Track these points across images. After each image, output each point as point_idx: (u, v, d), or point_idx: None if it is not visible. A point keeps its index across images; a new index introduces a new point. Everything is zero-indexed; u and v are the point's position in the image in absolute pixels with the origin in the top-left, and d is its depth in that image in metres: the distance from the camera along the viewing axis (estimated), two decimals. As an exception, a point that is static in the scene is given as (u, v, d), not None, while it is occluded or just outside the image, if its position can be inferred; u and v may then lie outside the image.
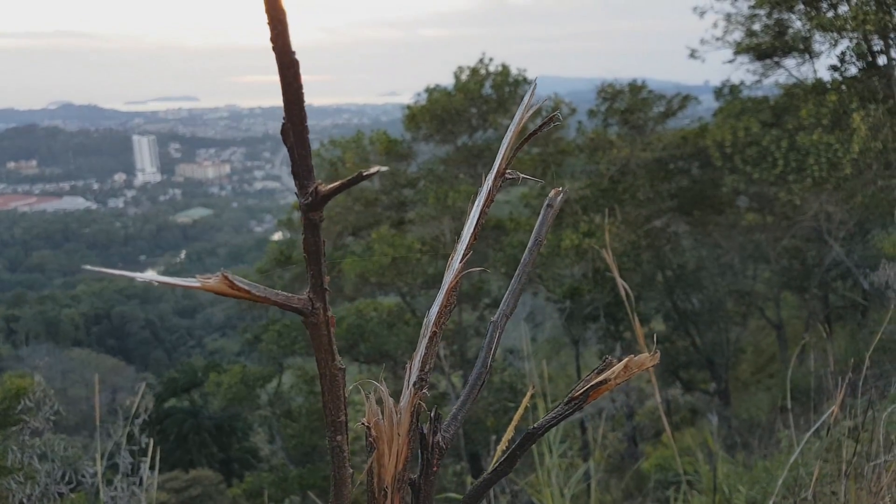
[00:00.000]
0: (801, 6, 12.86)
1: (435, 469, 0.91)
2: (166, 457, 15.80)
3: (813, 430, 2.20)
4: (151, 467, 3.01)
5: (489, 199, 0.96)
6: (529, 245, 1.04)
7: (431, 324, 0.92)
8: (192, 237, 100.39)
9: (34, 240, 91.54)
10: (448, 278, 0.92)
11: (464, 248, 0.94)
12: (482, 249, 14.42)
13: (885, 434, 2.43)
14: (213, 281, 0.70)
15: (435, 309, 0.92)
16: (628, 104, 14.37)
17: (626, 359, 0.89)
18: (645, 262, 14.68)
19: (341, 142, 15.52)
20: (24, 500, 3.32)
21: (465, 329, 15.12)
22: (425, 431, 0.90)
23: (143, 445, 3.16)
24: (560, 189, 1.06)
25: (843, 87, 12.70)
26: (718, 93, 15.41)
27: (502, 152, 0.96)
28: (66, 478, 3.53)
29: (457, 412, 0.95)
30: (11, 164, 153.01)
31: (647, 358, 0.89)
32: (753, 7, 13.14)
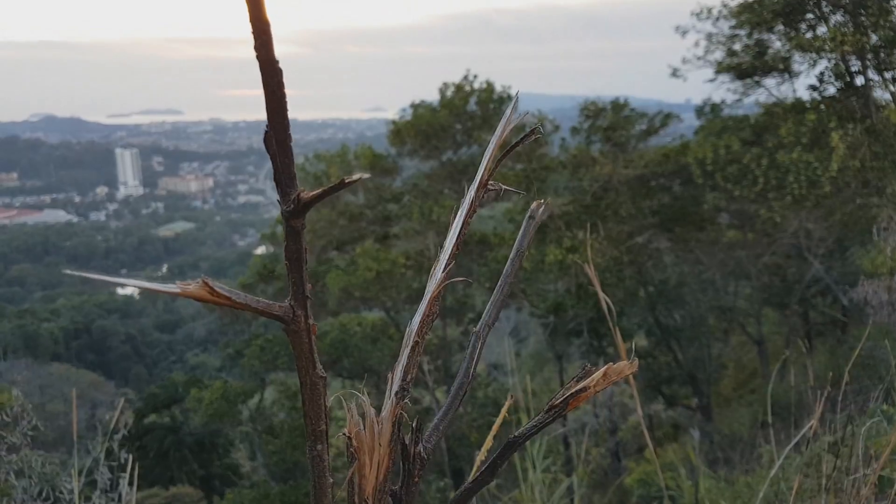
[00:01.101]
0: (781, 27, 13.12)
1: (416, 480, 0.90)
2: (146, 473, 15.56)
3: (793, 444, 2.22)
4: (130, 483, 2.97)
5: (472, 210, 0.97)
6: (511, 256, 1.05)
7: (413, 333, 0.91)
8: (174, 251, 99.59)
9: (14, 253, 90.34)
10: (430, 288, 0.92)
11: (446, 258, 0.94)
12: (466, 264, 14.45)
13: (864, 448, 2.46)
14: (192, 287, 0.69)
15: (417, 318, 0.92)
16: (611, 122, 14.52)
17: (606, 367, 0.90)
18: (627, 278, 14.77)
19: (326, 156, 15.52)
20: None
21: (450, 343, 15.10)
22: (407, 442, 0.89)
23: (123, 461, 3.12)
24: (542, 201, 1.07)
25: (822, 106, 12.93)
26: (700, 111, 15.62)
27: (485, 163, 0.97)
28: (44, 494, 3.46)
29: (438, 422, 0.95)
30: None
31: (626, 366, 0.91)
32: (734, 27, 13.37)
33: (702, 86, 14.66)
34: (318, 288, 15.31)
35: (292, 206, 0.68)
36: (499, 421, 1.24)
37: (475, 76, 14.57)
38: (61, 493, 3.39)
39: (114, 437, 3.21)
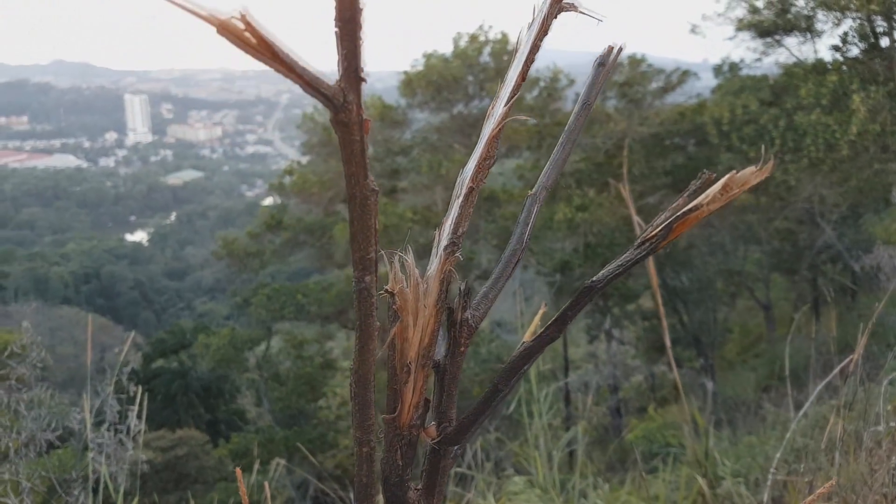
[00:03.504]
0: (807, -16, 12.70)
1: (462, 350, 0.81)
2: (154, 416, 15.85)
3: (811, 401, 2.18)
4: (139, 416, 2.98)
5: (543, 30, 0.82)
6: (576, 109, 0.91)
7: (468, 180, 0.80)
8: (182, 199, 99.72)
9: (24, 196, 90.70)
10: (489, 127, 0.81)
11: (509, 90, 0.81)
12: (474, 220, 14.37)
13: (883, 406, 2.42)
14: (227, 18, 0.52)
15: (472, 162, 0.81)
16: (627, 77, 14.22)
17: (727, 176, 0.74)
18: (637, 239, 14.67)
19: (336, 106, 15.32)
20: (10, 445, 3.30)
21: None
22: (454, 306, 0.80)
23: (132, 394, 3.14)
24: (614, 46, 0.92)
25: (844, 67, 12.60)
26: (718, 70, 15.29)
27: None
28: (53, 425, 3.51)
29: (488, 290, 0.85)
30: (2, 120, 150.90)
31: (752, 173, 0.74)
32: (758, -17, 12.97)
33: (720, 45, 14.38)
34: (324, 241, 15.29)
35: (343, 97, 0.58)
36: (539, 316, 1.15)
37: (490, 26, 14.25)
38: (70, 423, 3.42)
39: (122, 370, 3.23)
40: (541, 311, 1.13)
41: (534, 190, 0.89)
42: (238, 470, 1.06)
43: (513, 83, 0.82)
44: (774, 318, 16.14)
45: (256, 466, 3.75)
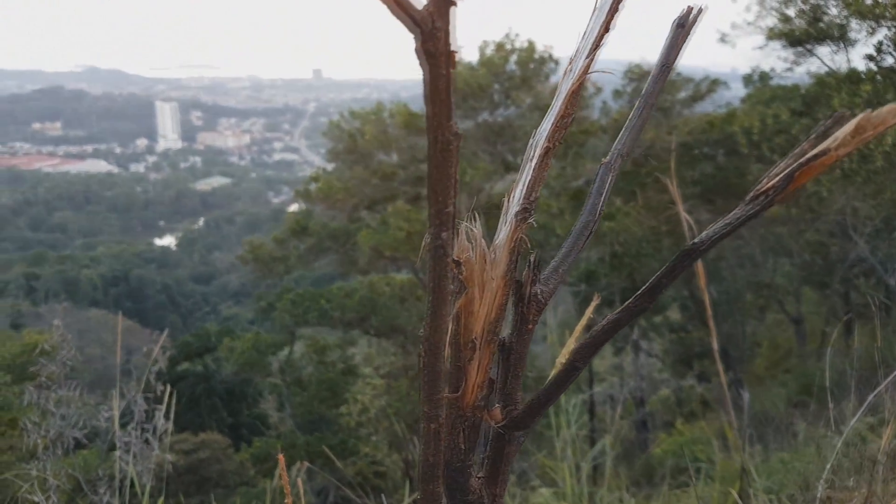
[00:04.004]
0: (840, -8, 12.49)
1: (530, 328, 0.75)
2: (177, 419, 15.92)
3: (857, 417, 2.09)
4: (167, 416, 2.98)
5: None
6: (655, 73, 0.85)
7: (544, 139, 0.73)
8: (210, 205, 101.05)
9: (56, 200, 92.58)
10: (568, 83, 0.74)
11: (590, 42, 0.75)
12: (493, 225, 14.32)
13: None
14: None
15: (549, 121, 0.73)
16: (656, 86, 14.08)
17: (861, 115, 0.63)
18: (664, 249, 14.50)
19: (361, 114, 15.41)
20: (39, 441, 3.33)
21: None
22: (522, 280, 0.74)
23: (159, 394, 3.15)
24: (694, 7, 0.85)
25: (879, 77, 12.34)
26: (748, 79, 15.09)
27: None
28: (80, 424, 3.53)
29: (559, 264, 0.79)
30: (37, 125, 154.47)
31: (891, 111, 0.63)
32: (790, -9, 12.78)
33: (749, 55, 14.18)
34: (348, 247, 15.34)
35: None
36: (585, 318, 1.09)
37: (517, 35, 14.23)
38: (98, 421, 3.45)
39: (151, 369, 3.24)
40: (580, 326, 1.07)
41: (607, 158, 0.82)
42: (281, 457, 1.01)
43: (594, 35, 0.75)
44: (805, 333, 15.82)
45: (281, 471, 3.72)
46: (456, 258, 0.65)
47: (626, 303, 0.72)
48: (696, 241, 0.70)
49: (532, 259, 0.72)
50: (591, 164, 13.72)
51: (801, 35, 13.09)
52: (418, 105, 16.04)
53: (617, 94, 14.85)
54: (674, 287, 15.81)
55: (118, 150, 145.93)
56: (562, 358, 0.79)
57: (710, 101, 15.18)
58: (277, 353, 15.29)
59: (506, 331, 0.75)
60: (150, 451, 3.27)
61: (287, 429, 15.45)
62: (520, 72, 14.23)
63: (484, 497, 0.73)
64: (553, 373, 0.72)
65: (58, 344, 4.02)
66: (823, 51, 13.39)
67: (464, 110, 14.71)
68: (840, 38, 12.97)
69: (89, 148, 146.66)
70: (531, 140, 0.74)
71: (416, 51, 0.52)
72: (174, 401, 3.10)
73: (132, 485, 2.80)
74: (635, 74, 14.28)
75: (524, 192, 0.73)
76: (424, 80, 0.52)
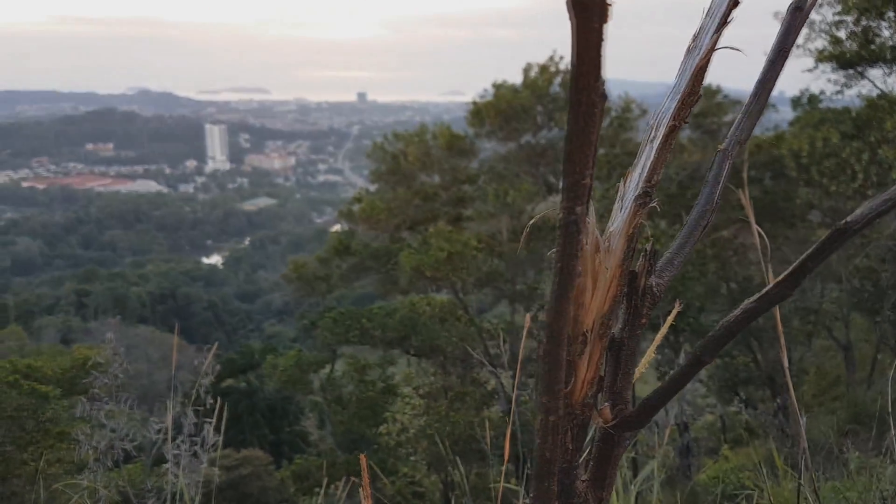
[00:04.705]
0: (892, 14, 12.26)
1: (643, 322, 0.70)
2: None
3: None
4: (217, 429, 3.06)
5: None
6: (770, 56, 0.82)
7: (669, 118, 0.68)
8: (256, 225, 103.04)
9: (108, 219, 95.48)
10: (692, 60, 0.70)
11: (717, 17, 0.71)
12: (538, 249, 14.29)
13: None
14: None
15: (674, 99, 0.69)
16: (702, 108, 13.99)
17: None
18: (710, 273, 14.27)
19: (404, 135, 15.63)
20: (90, 452, 3.45)
21: (518, 329, 15.02)
22: (637, 270, 0.68)
23: (208, 407, 3.23)
24: None
25: (933, 100, 12.05)
26: (796, 102, 14.85)
27: None
28: (131, 436, 3.65)
29: (673, 255, 0.73)
30: (90, 146, 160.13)
31: None
32: (840, 13, 12.59)
33: (796, 77, 13.93)
34: (389, 266, 15.49)
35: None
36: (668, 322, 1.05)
37: (561, 57, 14.30)
38: (146, 434, 3.57)
39: (202, 382, 3.33)
40: (659, 335, 1.03)
41: (724, 145, 0.77)
42: (363, 457, 1.02)
43: (722, 9, 0.71)
44: (854, 360, 15.33)
45: (323, 489, 3.77)
46: None
47: (766, 289, 0.65)
48: (849, 219, 0.65)
49: (648, 248, 0.67)
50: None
51: (853, 57, 12.86)
52: (460, 127, 16.20)
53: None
54: (719, 311, 15.50)
55: (168, 170, 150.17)
56: (642, 367, 0.76)
57: (758, 125, 14.95)
58: (319, 371, 15.45)
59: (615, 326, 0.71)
60: (199, 463, 3.34)
61: (327, 447, 15.55)
62: (564, 94, 14.30)
63: (589, 500, 0.69)
64: (674, 371, 0.69)
65: (110, 357, 4.17)
66: (875, 73, 13.14)
67: (506, 132, 14.81)
68: (893, 60, 12.71)
69: (140, 168, 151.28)
70: (651, 121, 0.70)
71: (567, 3, 0.48)
72: (218, 416, 3.16)
73: (178, 497, 2.87)
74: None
75: (644, 174, 0.67)
76: (573, 35, 0.48)
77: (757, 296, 0.65)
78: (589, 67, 0.48)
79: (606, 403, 0.70)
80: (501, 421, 13.55)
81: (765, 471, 4.10)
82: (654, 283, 0.68)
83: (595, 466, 0.70)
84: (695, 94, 0.68)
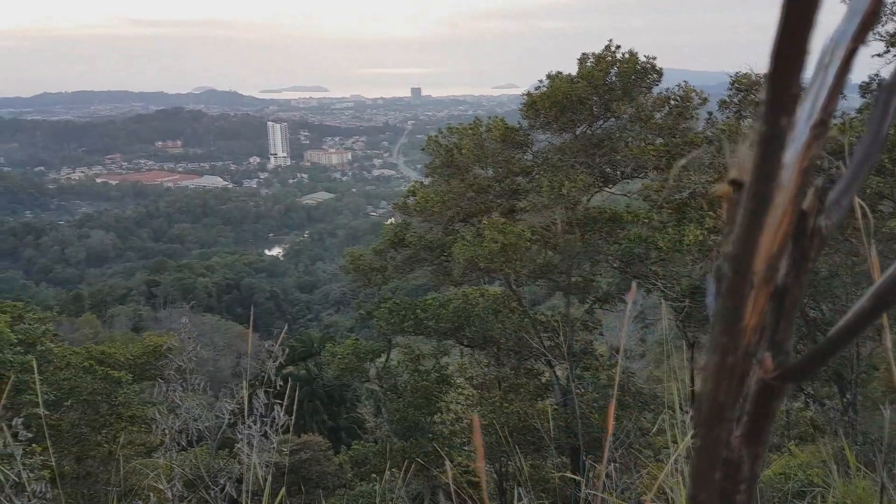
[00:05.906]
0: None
1: (809, 266, 0.62)
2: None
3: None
4: (288, 411, 3.18)
5: None
6: None
7: (849, 39, 0.60)
8: (315, 218, 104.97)
9: (176, 213, 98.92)
10: None
11: None
12: (595, 241, 14.15)
13: None
14: None
15: (854, 20, 0.59)
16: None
17: None
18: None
19: (458, 129, 15.68)
20: (165, 432, 3.64)
21: (573, 321, 14.93)
22: (805, 208, 0.59)
23: (278, 388, 3.32)
24: None
25: None
26: (865, 88, 14.23)
27: None
28: (203, 417, 3.83)
29: (839, 196, 0.64)
30: (159, 143, 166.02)
31: None
32: (914, -7, 12.02)
33: (866, 63, 13.33)
34: (443, 258, 15.60)
35: None
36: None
37: (618, 46, 14.09)
38: (218, 416, 3.75)
39: (273, 364, 3.45)
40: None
41: (889, 80, 0.74)
42: (475, 417, 0.96)
43: None
44: (930, 358, 14.64)
45: (386, 476, 3.89)
46: (736, 179, 0.53)
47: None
48: None
49: (819, 184, 0.61)
50: (695, 175, 13.35)
51: (927, 39, 12.28)
52: (514, 119, 16.15)
53: (723, 103, 14.38)
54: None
55: (233, 166, 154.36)
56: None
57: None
58: (375, 360, 15.72)
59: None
60: (269, 444, 3.44)
61: (383, 433, 15.83)
62: (620, 83, 14.08)
63: (744, 456, 0.63)
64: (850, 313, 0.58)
65: (184, 341, 4.39)
66: (952, 56, 12.49)
67: (561, 123, 14.68)
68: (971, 41, 12.07)
69: (206, 165, 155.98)
70: (827, 44, 0.61)
71: None
72: (293, 397, 3.26)
73: (250, 476, 2.96)
74: (743, 84, 13.80)
75: (821, 101, 0.59)
76: None
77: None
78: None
79: (767, 353, 0.63)
80: (556, 413, 13.52)
81: (835, 468, 4.00)
82: (823, 224, 0.60)
83: (750, 421, 0.63)
84: (876, 14, 0.62)
